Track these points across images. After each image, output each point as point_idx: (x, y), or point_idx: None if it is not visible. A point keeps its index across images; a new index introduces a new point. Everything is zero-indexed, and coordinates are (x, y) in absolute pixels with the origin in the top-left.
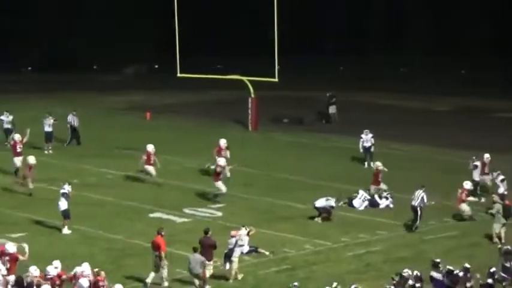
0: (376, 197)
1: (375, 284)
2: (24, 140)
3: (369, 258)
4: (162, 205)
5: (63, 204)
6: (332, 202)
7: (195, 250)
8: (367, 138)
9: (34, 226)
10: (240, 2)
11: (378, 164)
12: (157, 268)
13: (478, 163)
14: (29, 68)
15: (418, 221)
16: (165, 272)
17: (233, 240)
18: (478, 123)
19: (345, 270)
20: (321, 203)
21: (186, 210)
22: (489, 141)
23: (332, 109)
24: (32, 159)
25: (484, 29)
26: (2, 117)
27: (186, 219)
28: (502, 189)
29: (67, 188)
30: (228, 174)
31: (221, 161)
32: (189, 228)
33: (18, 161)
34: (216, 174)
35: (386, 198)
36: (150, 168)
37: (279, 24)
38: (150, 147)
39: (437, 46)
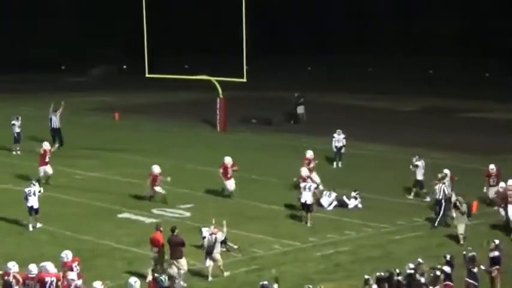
0: (345, 197)
1: (344, 284)
2: (52, 150)
3: (337, 258)
4: (131, 205)
5: (33, 202)
6: (312, 184)
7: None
8: (339, 138)
9: (2, 226)
10: (208, 2)
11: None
12: (157, 263)
13: (419, 163)
14: None
15: (439, 216)
16: (173, 269)
17: (213, 237)
18: (446, 123)
19: (313, 270)
20: (307, 196)
21: (155, 211)
22: (455, 140)
23: (300, 109)
24: (157, 169)
25: (452, 28)
26: None
27: (154, 220)
28: (453, 198)
29: (36, 187)
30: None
31: (303, 171)
32: None
33: (48, 169)
34: (302, 182)
35: (355, 199)
36: (230, 183)
37: (247, 24)
38: (227, 159)
39: (405, 46)
